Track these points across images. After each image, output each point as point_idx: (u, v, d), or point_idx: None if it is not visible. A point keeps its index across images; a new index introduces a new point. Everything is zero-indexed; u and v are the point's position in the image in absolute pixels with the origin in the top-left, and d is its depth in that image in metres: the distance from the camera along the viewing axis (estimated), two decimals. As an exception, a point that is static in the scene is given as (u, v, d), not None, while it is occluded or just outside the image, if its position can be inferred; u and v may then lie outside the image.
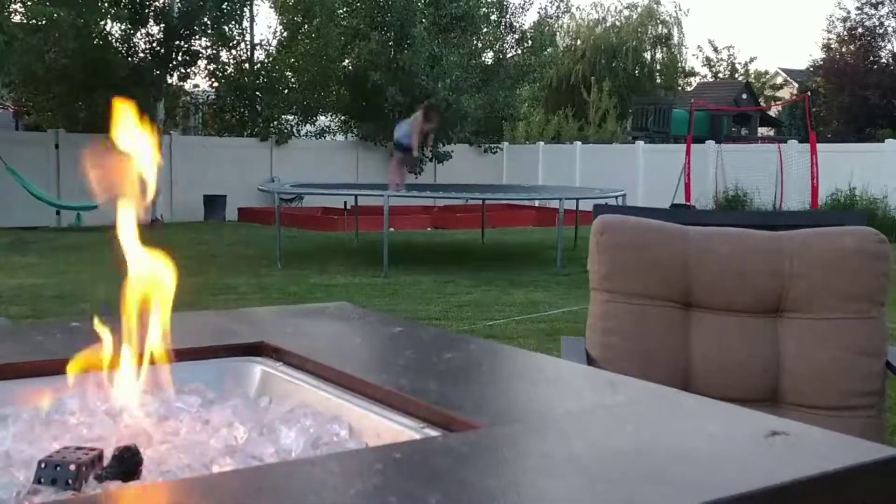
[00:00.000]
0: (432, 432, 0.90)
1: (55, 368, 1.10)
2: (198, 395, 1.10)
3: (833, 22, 24.12)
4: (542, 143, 18.87)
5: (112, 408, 1.02)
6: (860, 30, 23.13)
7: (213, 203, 15.14)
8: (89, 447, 0.87)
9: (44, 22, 12.15)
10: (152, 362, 1.19)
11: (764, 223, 1.85)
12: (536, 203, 15.46)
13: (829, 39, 23.84)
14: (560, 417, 0.88)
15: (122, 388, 1.07)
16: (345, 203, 13.47)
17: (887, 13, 22.84)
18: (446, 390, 0.99)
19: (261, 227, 13.44)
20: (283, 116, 17.02)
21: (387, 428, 0.95)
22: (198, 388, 1.14)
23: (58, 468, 0.83)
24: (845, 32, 23.41)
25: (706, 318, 1.68)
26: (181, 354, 1.25)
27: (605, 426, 0.84)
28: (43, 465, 0.83)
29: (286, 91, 16.98)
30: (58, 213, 13.28)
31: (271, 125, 16.67)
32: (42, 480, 0.82)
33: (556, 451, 0.79)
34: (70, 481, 0.82)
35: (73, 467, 0.82)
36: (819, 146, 12.47)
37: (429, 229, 13.93)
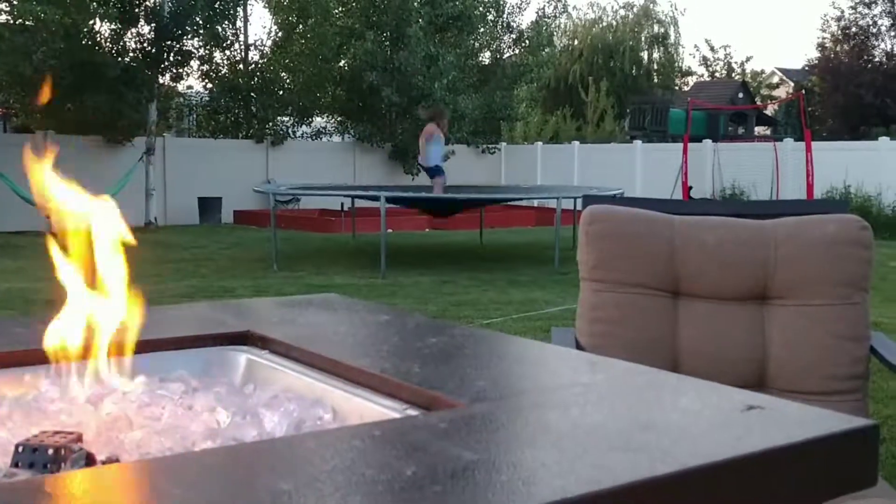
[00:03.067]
0: (414, 413, 0.91)
1: (35, 359, 1.11)
2: (182, 382, 1.11)
3: (827, 21, 24.19)
4: (540, 144, 18.88)
5: (93, 395, 1.02)
6: (854, 29, 23.19)
7: (209, 206, 15.07)
8: (67, 431, 0.88)
9: (31, 22, 12.05)
10: (134, 352, 1.20)
11: (749, 212, 1.85)
12: (535, 203, 15.47)
13: (823, 39, 23.90)
14: (538, 394, 0.89)
15: (103, 376, 1.08)
16: (342, 204, 13.47)
17: (881, 12, 22.89)
18: (429, 373, 0.99)
19: (257, 230, 13.43)
20: (278, 117, 16.95)
21: (370, 410, 0.96)
22: (182, 376, 1.14)
23: (35, 452, 0.83)
24: (839, 32, 23.47)
25: (693, 305, 1.69)
26: (167, 344, 1.25)
27: (581, 402, 0.84)
28: (20, 449, 0.83)
29: (281, 92, 16.91)
30: (47, 217, 13.25)
31: (267, 126, 16.60)
32: (19, 464, 0.82)
33: (532, 425, 0.79)
34: (48, 465, 0.82)
35: (50, 451, 0.83)
36: (814, 144, 12.50)
37: (427, 230, 13.93)
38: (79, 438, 0.87)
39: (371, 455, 0.71)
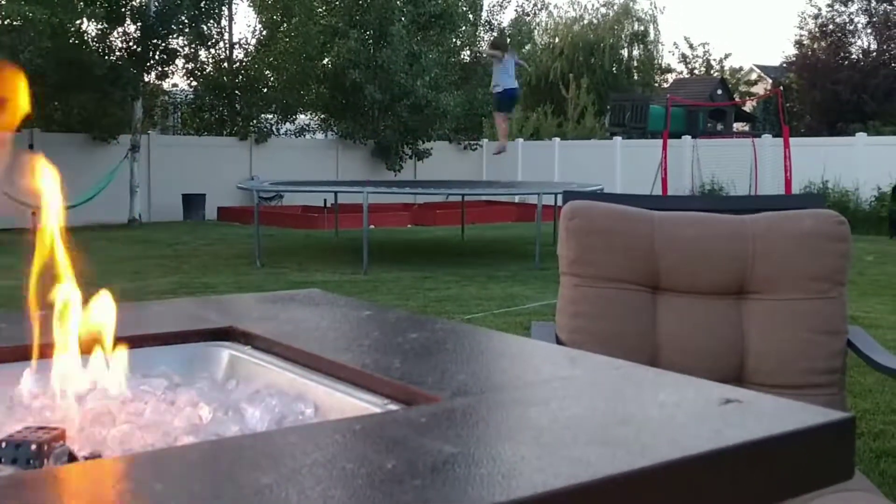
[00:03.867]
0: (395, 408, 0.91)
1: (18, 355, 1.11)
2: (164, 378, 1.11)
3: (805, 18, 24.43)
4: (521, 140, 18.93)
5: (76, 391, 1.02)
6: (831, 26, 23.39)
7: (192, 202, 15.07)
8: (51, 427, 0.88)
9: (18, 21, 11.99)
10: (117, 348, 1.20)
11: (728, 207, 1.87)
12: (516, 199, 15.51)
13: (801, 36, 24.10)
14: (518, 388, 0.90)
15: (85, 372, 1.07)
16: (325, 201, 13.45)
17: (857, 10, 23.10)
18: (410, 367, 1.00)
19: (240, 227, 13.39)
20: (262, 115, 16.95)
21: (351, 405, 0.96)
22: (164, 372, 1.14)
23: (18, 448, 0.83)
24: (817, 29, 23.67)
25: (672, 300, 1.71)
26: (149, 340, 1.25)
27: (560, 396, 0.85)
28: (3, 445, 0.83)
29: (265, 90, 16.91)
30: (33, 214, 13.15)
31: (251, 124, 16.59)
32: (2, 460, 0.82)
33: (512, 419, 0.80)
34: (30, 460, 0.82)
35: (33, 447, 0.83)
36: (792, 140, 12.61)
37: (409, 226, 13.94)
38: (62, 434, 0.87)
39: (351, 449, 0.72)
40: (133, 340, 1.24)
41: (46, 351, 1.08)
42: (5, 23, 12.31)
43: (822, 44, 23.26)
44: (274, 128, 17.31)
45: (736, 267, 1.69)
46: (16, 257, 9.66)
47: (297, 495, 0.61)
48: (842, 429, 0.80)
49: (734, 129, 20.38)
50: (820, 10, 23.78)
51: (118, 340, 1.23)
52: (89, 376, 1.07)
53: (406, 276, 8.21)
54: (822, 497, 1.44)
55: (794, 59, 24.08)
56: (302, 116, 18.24)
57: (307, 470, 0.67)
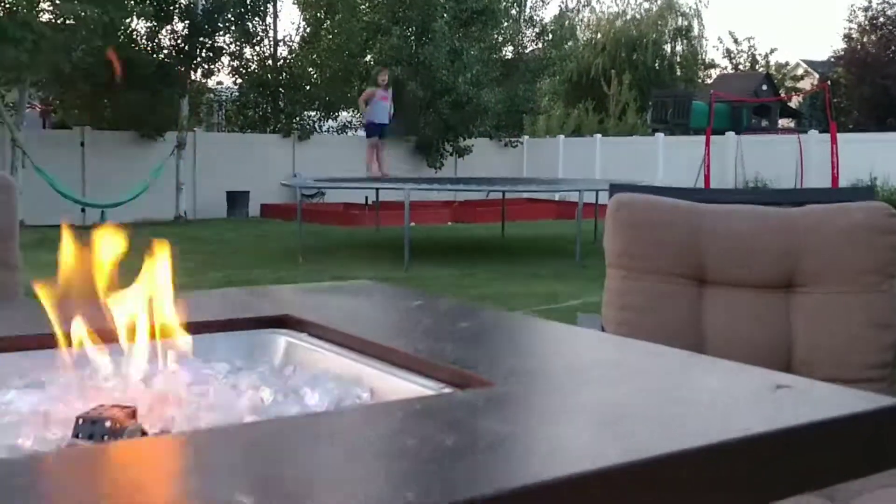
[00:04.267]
0: (450, 391, 0.94)
1: (87, 340, 1.15)
2: (226, 363, 1.15)
3: (854, 11, 23.84)
4: (562, 137, 18.83)
5: (143, 374, 1.07)
6: (881, 19, 22.86)
7: (236, 199, 15.28)
8: (123, 405, 0.92)
9: (71, 20, 12.27)
10: (178, 334, 1.24)
11: (775, 200, 1.87)
12: (556, 197, 15.44)
13: (850, 29, 23.58)
14: (569, 373, 0.92)
15: (151, 357, 1.12)
16: (366, 198, 13.54)
17: (910, 2, 22.56)
18: (462, 353, 1.02)
19: (283, 223, 13.53)
20: (305, 112, 17.11)
21: (407, 389, 0.99)
22: (225, 357, 1.18)
23: (94, 424, 0.87)
24: (866, 22, 23.14)
25: (719, 293, 1.71)
26: (207, 327, 1.30)
27: (610, 379, 0.87)
28: (80, 422, 0.88)
29: (308, 87, 17.07)
30: (83, 210, 13.44)
31: (294, 121, 16.76)
32: (80, 436, 0.87)
33: (564, 402, 0.82)
34: (105, 436, 0.86)
35: (108, 423, 0.87)
36: (839, 136, 12.37)
37: (449, 223, 13.97)
38: (134, 412, 0.91)
39: (412, 428, 0.74)
40: (193, 327, 1.29)
41: (114, 337, 1.13)
42: (59, 21, 12.59)
43: (872, 37, 22.74)
44: (317, 125, 17.47)
45: (784, 260, 1.69)
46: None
47: (362, 468, 0.64)
48: (893, 415, 0.81)
49: (779, 126, 20.04)
50: (870, 2, 23.25)
51: (179, 326, 1.28)
52: (155, 360, 1.11)
53: (447, 274, 8.24)
54: (872, 492, 1.44)
55: (842, 53, 23.58)
56: (344, 114, 18.39)
57: (370, 446, 0.70)
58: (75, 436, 0.87)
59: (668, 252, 1.71)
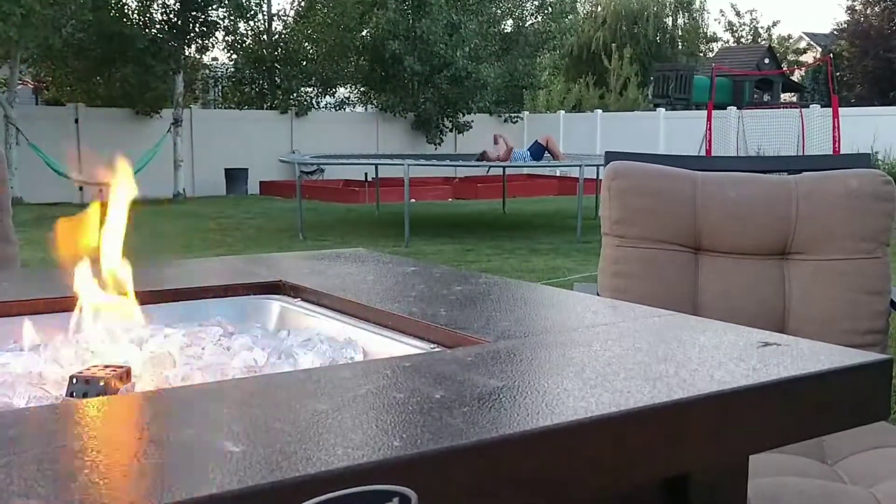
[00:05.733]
0: (439, 350, 0.95)
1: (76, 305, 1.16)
2: (219, 326, 1.16)
3: (858, -17, 23.65)
4: (562, 112, 18.76)
5: (136, 336, 1.08)
6: (886, -9, 22.69)
7: (235, 177, 15.22)
8: (117, 365, 0.93)
9: None
10: (172, 299, 1.25)
11: (772, 168, 1.86)
12: (558, 173, 15.41)
13: (853, 2, 23.40)
14: (561, 333, 0.93)
15: (145, 320, 1.13)
16: (365, 175, 13.50)
17: (914, -26, 22.37)
18: (455, 315, 1.03)
19: (282, 201, 13.52)
20: (302, 88, 16.99)
21: (399, 350, 1.00)
22: (218, 321, 1.19)
23: (88, 383, 0.88)
24: (870, -6, 22.97)
25: (715, 261, 1.71)
26: (202, 292, 1.30)
27: (602, 338, 0.88)
28: (74, 381, 0.89)
29: (305, 62, 16.93)
30: (80, 189, 13.37)
31: (291, 97, 16.65)
32: (74, 394, 0.88)
33: (555, 358, 0.83)
34: (99, 395, 0.87)
35: (102, 382, 0.88)
36: (841, 110, 12.30)
37: (450, 200, 13.95)
38: (128, 372, 0.92)
39: (401, 382, 0.75)
40: (186, 293, 1.30)
41: (106, 302, 1.13)
42: None
43: (876, 9, 22.57)
44: (314, 101, 17.36)
45: (779, 227, 1.69)
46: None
47: (350, 420, 0.65)
48: (878, 370, 0.81)
49: (781, 100, 19.95)
50: (874, -25, 23.07)
51: (172, 292, 1.28)
52: (148, 323, 1.12)
53: (448, 250, 8.25)
54: (864, 452, 1.45)
55: (845, 25, 23.42)
56: (342, 90, 18.27)
57: (360, 399, 0.70)
58: (69, 395, 0.88)
59: (664, 220, 1.71)
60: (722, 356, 0.82)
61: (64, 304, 1.19)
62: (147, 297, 1.20)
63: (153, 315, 1.17)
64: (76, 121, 14.19)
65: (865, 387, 0.81)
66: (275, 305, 1.27)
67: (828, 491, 1.25)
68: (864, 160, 1.83)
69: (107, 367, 0.92)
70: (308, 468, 0.54)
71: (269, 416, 0.66)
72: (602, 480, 0.65)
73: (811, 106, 14.69)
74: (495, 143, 10.87)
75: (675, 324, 0.97)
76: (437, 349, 0.96)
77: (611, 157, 1.78)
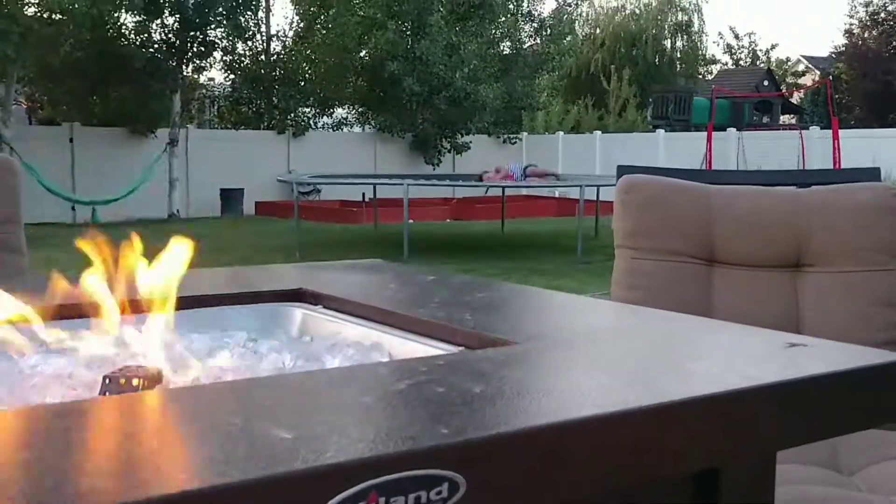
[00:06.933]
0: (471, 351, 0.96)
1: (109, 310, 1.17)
2: (244, 332, 1.16)
3: (855, 7, 23.85)
4: (561, 134, 18.85)
5: (165, 341, 1.08)
6: (882, 14, 22.88)
7: (231, 197, 14.99)
8: (149, 367, 0.94)
9: (58, 14, 12.11)
10: (196, 306, 1.26)
11: (781, 182, 1.88)
12: (557, 194, 15.45)
13: (851, 25, 23.60)
14: (589, 333, 0.94)
15: (172, 326, 1.14)
16: (363, 195, 13.50)
17: (910, -2, 22.59)
18: (481, 319, 1.04)
19: (279, 221, 13.47)
20: (299, 108, 16.99)
21: (427, 352, 1.01)
22: (242, 327, 1.20)
23: (122, 383, 0.89)
24: (867, 17, 23.16)
25: (728, 273, 1.73)
26: (225, 300, 1.31)
27: (630, 338, 0.89)
28: (108, 381, 0.89)
29: (303, 83, 16.94)
30: (73, 208, 13.28)
31: (288, 117, 16.63)
32: (107, 394, 0.89)
33: (586, 357, 0.84)
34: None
35: (135, 381, 0.89)
36: (841, 132, 12.38)
37: (448, 220, 13.97)
38: (159, 373, 0.93)
39: (439, 378, 0.76)
40: (209, 300, 1.31)
41: (137, 308, 1.14)
42: (45, 16, 12.39)
43: (874, 32, 22.75)
44: (311, 121, 17.33)
45: (792, 240, 1.71)
46: (59, 250, 9.89)
47: (396, 410, 0.66)
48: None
49: (781, 122, 20.07)
50: (871, -3, 23.28)
51: (193, 298, 1.29)
52: (175, 329, 1.13)
53: (447, 270, 8.24)
54: (879, 464, 1.46)
55: (843, 48, 23.60)
56: (339, 110, 18.28)
57: (403, 393, 0.71)
58: (102, 394, 0.89)
59: (677, 232, 1.73)
60: (751, 355, 0.83)
61: (80, 309, 1.20)
62: (174, 304, 1.21)
63: (177, 320, 1.17)
64: (71, 140, 14.10)
65: (891, 386, 0.82)
66: (297, 312, 1.28)
67: (850, 500, 1.25)
68: (873, 174, 1.86)
69: (139, 367, 0.93)
70: (362, 453, 0.55)
71: (315, 405, 0.67)
72: (640, 471, 0.66)
73: (811, 128, 14.77)
74: (497, 171, 10.95)
75: (700, 326, 0.98)
76: (465, 351, 0.97)
77: (622, 170, 1.80)
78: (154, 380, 0.90)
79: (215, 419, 0.65)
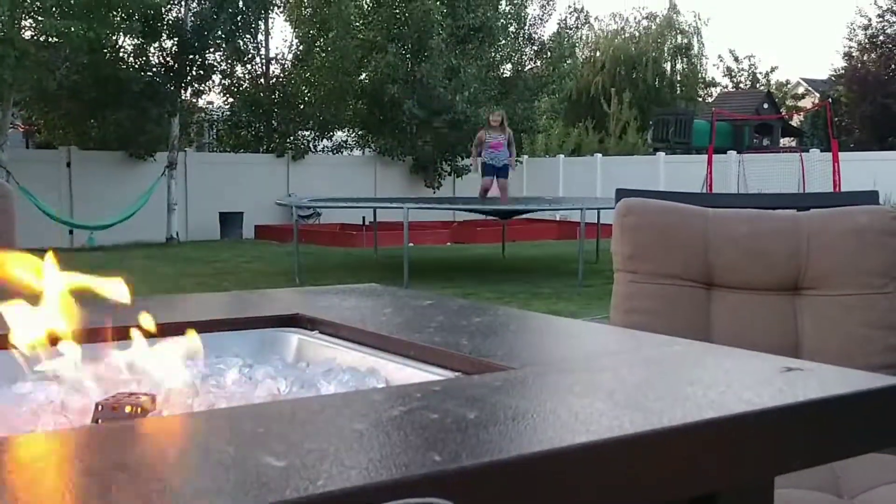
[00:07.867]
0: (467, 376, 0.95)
1: (104, 336, 1.16)
2: (238, 358, 1.16)
3: (854, 30, 23.98)
4: (562, 156, 18.89)
5: (158, 366, 1.08)
6: (881, 37, 23.01)
7: (230, 221, 14.95)
8: (143, 393, 0.93)
9: (54, 38, 12.08)
10: (191, 331, 1.25)
11: (779, 205, 1.88)
12: (557, 217, 15.47)
13: (850, 48, 23.72)
14: (585, 359, 0.93)
15: (165, 351, 1.13)
16: (363, 219, 13.50)
17: (909, 20, 22.72)
18: (477, 344, 1.03)
19: (278, 245, 13.44)
20: (299, 132, 16.96)
21: (423, 378, 1.00)
22: (237, 353, 1.19)
23: (115, 409, 0.88)
24: (866, 40, 23.28)
25: (727, 296, 1.72)
26: (220, 325, 1.31)
27: (628, 363, 0.88)
28: (100, 408, 0.89)
29: (302, 106, 16.89)
30: (70, 232, 13.23)
31: (287, 141, 16.58)
32: (100, 421, 0.88)
33: (585, 382, 0.84)
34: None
35: (128, 408, 0.88)
36: (841, 154, 12.41)
37: (448, 244, 13.97)
38: (153, 399, 0.92)
39: (434, 404, 0.75)
40: (203, 325, 1.30)
41: (127, 334, 1.14)
42: (41, 39, 12.35)
43: (873, 55, 22.86)
44: (311, 145, 17.30)
45: (791, 263, 1.71)
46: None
47: (389, 437, 0.65)
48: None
49: (781, 144, 20.13)
50: (870, 20, 23.36)
51: (191, 325, 1.29)
52: (169, 355, 1.12)
53: (447, 294, 8.24)
54: (879, 488, 1.44)
55: (842, 71, 23.70)
56: (339, 133, 18.28)
57: (396, 419, 0.71)
58: (95, 421, 0.88)
59: (676, 255, 1.73)
60: (748, 379, 0.82)
61: (91, 335, 1.19)
62: (162, 329, 1.21)
63: (171, 347, 1.17)
64: (68, 164, 14.03)
65: (890, 410, 0.81)
66: (292, 337, 1.28)
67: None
68: (871, 197, 1.86)
69: (132, 394, 0.93)
70: (351, 481, 0.54)
71: (308, 433, 0.66)
72: (637, 497, 0.66)
73: (811, 150, 14.81)
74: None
75: (698, 350, 0.97)
76: (461, 377, 0.97)
77: (621, 194, 1.80)
78: (147, 407, 0.90)
79: (207, 447, 0.65)
